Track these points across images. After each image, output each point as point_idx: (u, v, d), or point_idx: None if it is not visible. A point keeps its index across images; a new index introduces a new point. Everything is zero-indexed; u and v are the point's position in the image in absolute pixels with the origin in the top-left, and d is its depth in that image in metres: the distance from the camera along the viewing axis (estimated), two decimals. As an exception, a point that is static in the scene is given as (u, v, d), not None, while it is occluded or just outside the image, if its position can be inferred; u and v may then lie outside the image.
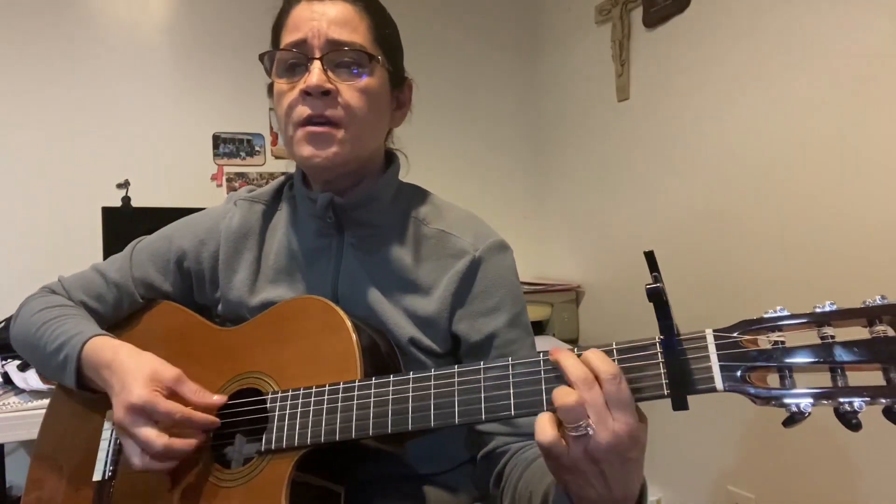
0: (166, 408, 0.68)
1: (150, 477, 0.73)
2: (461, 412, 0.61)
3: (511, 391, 0.59)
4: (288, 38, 0.77)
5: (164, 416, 0.68)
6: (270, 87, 0.81)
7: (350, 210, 0.82)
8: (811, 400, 0.48)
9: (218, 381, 0.77)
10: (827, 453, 1.50)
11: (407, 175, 0.90)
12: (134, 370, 0.72)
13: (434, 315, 0.80)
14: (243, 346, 0.79)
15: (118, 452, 0.79)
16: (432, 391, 0.63)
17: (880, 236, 1.38)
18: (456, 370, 0.62)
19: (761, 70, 1.66)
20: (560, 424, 0.53)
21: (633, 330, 2.11)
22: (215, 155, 2.39)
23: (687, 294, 1.85)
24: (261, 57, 0.80)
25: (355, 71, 0.77)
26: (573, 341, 2.45)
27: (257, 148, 2.44)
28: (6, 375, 1.50)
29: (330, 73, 0.75)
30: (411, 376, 0.64)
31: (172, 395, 0.71)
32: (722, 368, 0.52)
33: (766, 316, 0.52)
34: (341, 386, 0.67)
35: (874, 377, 0.48)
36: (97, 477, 0.78)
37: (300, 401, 0.69)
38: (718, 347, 0.52)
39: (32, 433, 0.89)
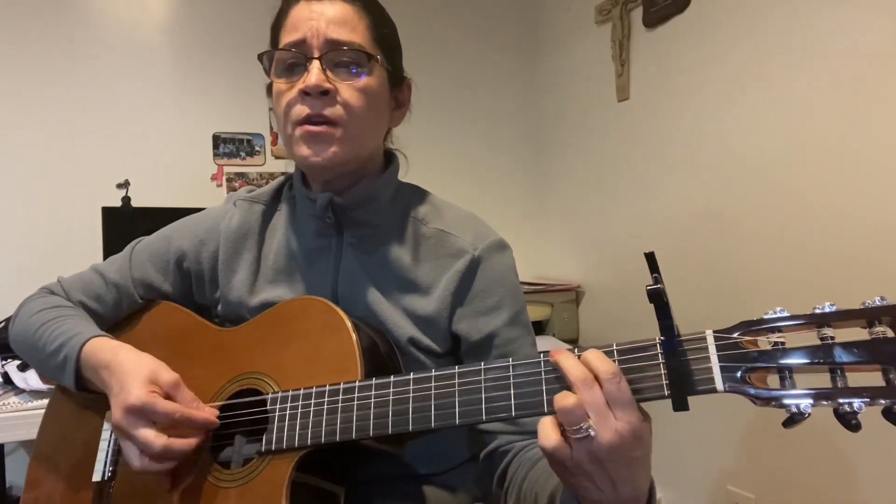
0: (165, 408, 0.68)
1: (150, 477, 0.73)
2: (462, 413, 0.61)
3: (512, 392, 0.59)
4: (287, 37, 0.77)
5: (163, 417, 0.68)
6: (269, 87, 0.81)
7: (349, 210, 0.82)
8: (811, 400, 0.48)
9: (218, 382, 0.77)
10: (827, 453, 1.50)
11: (407, 175, 0.90)
12: (133, 371, 0.72)
13: (433, 314, 0.80)
14: (243, 347, 0.79)
15: (118, 453, 0.79)
16: (433, 392, 0.63)
17: (880, 237, 1.38)
18: (456, 370, 0.62)
19: (761, 70, 1.66)
20: (563, 429, 0.53)
21: (634, 330, 2.11)
22: (215, 155, 2.38)
23: (687, 294, 1.85)
24: (260, 57, 0.80)
25: (354, 70, 0.77)
26: (573, 341, 2.45)
27: (257, 148, 2.44)
28: (6, 375, 1.50)
29: (329, 73, 0.75)
30: (412, 377, 0.64)
31: (169, 399, 0.71)
32: (722, 369, 0.52)
33: (766, 317, 0.52)
34: (342, 386, 0.67)
35: (874, 378, 0.48)
36: (97, 477, 0.78)
37: (300, 401, 0.69)
38: (719, 348, 0.52)
39: (32, 433, 0.89)
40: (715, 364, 0.52)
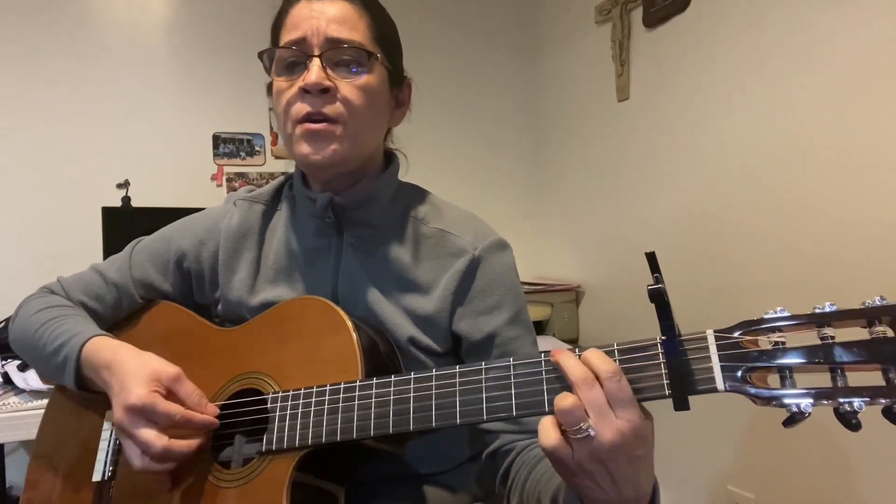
0: (166, 409, 0.68)
1: (150, 477, 0.73)
2: (462, 412, 0.61)
3: (513, 391, 0.59)
4: (287, 36, 0.77)
5: (164, 417, 0.68)
6: (270, 87, 0.81)
7: (349, 210, 0.82)
8: (811, 400, 0.48)
9: (218, 382, 0.77)
10: (827, 453, 1.50)
11: (407, 175, 0.90)
12: (133, 371, 0.72)
13: (434, 314, 0.80)
14: (243, 347, 0.79)
15: (118, 453, 0.79)
16: (434, 391, 0.62)
17: (880, 237, 1.38)
18: (457, 370, 0.62)
19: (761, 70, 1.66)
20: (563, 429, 0.53)
21: (634, 330, 2.12)
22: (215, 155, 2.39)
23: (687, 294, 1.85)
24: (260, 55, 0.80)
25: (354, 69, 0.77)
26: (573, 341, 2.45)
27: (257, 148, 2.44)
28: (6, 375, 1.50)
29: (329, 71, 0.75)
30: (412, 376, 0.64)
31: (171, 394, 0.71)
32: (723, 369, 0.52)
33: (766, 317, 0.52)
34: (342, 386, 0.67)
35: (874, 377, 0.48)
36: (97, 477, 0.78)
37: (301, 401, 0.69)
38: (719, 348, 0.52)
39: (32, 433, 0.89)
40: (716, 364, 0.52)
